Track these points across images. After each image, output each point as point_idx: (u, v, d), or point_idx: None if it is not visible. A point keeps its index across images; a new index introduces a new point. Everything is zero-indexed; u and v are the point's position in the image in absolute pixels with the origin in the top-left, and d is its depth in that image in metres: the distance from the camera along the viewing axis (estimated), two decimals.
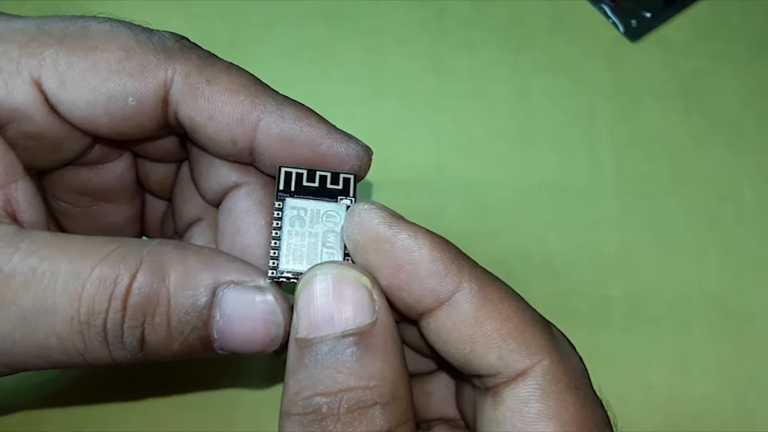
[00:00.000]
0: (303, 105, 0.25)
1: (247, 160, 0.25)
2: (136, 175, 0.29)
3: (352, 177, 0.25)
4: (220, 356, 0.23)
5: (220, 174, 0.26)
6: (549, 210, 0.39)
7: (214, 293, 0.21)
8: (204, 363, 0.35)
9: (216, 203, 0.27)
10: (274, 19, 0.43)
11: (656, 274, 0.38)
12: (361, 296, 0.21)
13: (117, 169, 0.28)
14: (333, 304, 0.21)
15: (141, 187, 0.30)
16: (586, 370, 0.23)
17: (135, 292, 0.21)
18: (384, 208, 0.22)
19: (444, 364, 0.25)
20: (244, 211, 0.25)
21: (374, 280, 0.21)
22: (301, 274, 0.22)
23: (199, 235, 0.28)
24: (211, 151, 0.25)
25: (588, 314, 0.37)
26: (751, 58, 0.42)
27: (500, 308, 0.21)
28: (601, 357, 0.36)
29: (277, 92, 0.25)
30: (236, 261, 0.22)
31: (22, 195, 0.23)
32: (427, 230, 0.22)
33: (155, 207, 0.31)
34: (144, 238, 0.31)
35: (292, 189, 0.24)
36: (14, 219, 0.23)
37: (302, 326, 0.21)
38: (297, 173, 0.24)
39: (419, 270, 0.21)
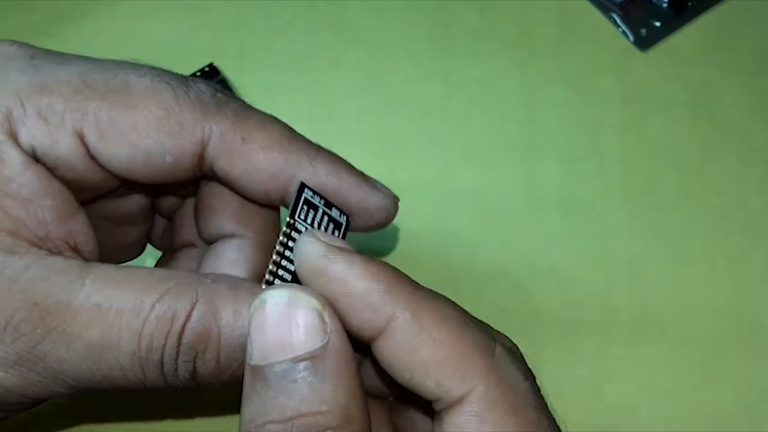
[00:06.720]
0: (335, 156, 0.26)
1: (279, 204, 0.26)
2: (152, 201, 0.31)
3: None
4: None
5: (219, 221, 0.27)
6: (556, 220, 0.39)
7: None
8: None
9: (209, 242, 0.28)
10: (281, 29, 0.43)
11: (663, 284, 0.38)
12: (312, 319, 0.21)
13: (139, 199, 0.29)
14: (284, 329, 0.21)
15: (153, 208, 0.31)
16: (532, 388, 0.22)
17: (189, 330, 0.22)
18: (324, 239, 0.22)
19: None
20: (230, 261, 0.27)
21: (326, 302, 0.21)
22: None
23: (185, 259, 0.29)
24: (245, 196, 0.26)
25: (595, 325, 0.37)
26: (759, 69, 0.42)
27: (434, 335, 0.21)
28: (608, 367, 0.36)
29: (310, 143, 0.26)
30: None
31: (81, 227, 0.24)
32: (366, 259, 0.22)
33: (158, 222, 0.32)
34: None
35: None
36: (77, 251, 0.24)
37: (255, 353, 0.21)
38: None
39: (354, 302, 0.21)
